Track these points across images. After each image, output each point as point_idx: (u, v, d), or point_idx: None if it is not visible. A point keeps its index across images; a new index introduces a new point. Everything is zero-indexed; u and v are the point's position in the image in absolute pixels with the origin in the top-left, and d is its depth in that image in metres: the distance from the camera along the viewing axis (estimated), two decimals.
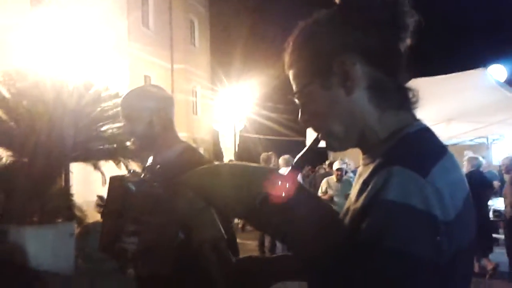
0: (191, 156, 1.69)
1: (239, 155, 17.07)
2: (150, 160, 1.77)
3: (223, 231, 1.42)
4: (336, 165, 7.01)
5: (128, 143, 6.71)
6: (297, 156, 0.98)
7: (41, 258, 5.61)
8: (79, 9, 9.39)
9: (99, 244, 1.69)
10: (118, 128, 6.87)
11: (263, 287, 1.13)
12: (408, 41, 0.88)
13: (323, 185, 6.94)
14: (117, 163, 6.83)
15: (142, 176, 1.64)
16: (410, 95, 0.89)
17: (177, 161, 1.62)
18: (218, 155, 19.21)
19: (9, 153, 6.43)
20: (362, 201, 0.79)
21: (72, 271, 6.06)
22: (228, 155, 18.67)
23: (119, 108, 6.58)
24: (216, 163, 1.22)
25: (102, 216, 1.80)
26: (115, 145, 6.69)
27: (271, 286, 1.13)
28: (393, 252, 0.71)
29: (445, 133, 7.21)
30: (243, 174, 0.97)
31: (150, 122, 1.66)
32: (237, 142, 18.59)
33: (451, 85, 7.77)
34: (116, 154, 6.73)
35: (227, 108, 18.76)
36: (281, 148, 9.40)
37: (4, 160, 6.53)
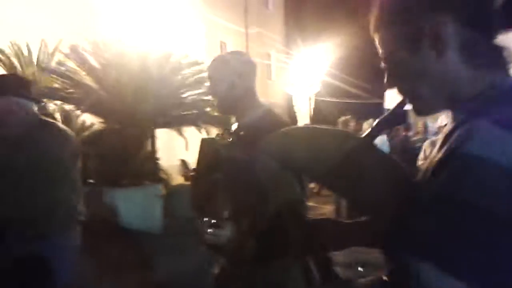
0: (272, 119, 1.76)
1: (314, 119, 16.96)
2: (235, 124, 1.87)
3: (300, 193, 1.48)
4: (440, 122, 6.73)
5: (208, 109, 6.98)
6: (379, 119, 0.98)
7: (131, 217, 6.01)
8: None
9: (192, 203, 1.84)
10: (198, 94, 7.11)
11: (338, 249, 1.14)
12: None
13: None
14: (199, 128, 7.10)
15: (229, 140, 1.75)
16: (505, 54, 0.86)
17: (259, 124, 1.69)
18: (293, 119, 19.20)
19: (101, 120, 6.93)
20: (443, 153, 0.79)
21: (160, 230, 6.47)
22: (303, 120, 18.59)
23: (198, 75, 6.78)
24: (294, 126, 1.26)
25: (192, 177, 1.94)
26: (196, 111, 6.94)
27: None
28: (468, 206, 0.70)
29: None
30: (320, 136, 0.99)
31: (232, 84, 1.76)
32: (312, 106, 18.43)
33: None
34: (197, 120, 6.98)
35: (302, 72, 18.56)
36: (357, 111, 9.21)
37: (96, 127, 7.05)
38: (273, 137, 1.09)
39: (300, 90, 19.92)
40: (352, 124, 7.33)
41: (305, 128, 1.11)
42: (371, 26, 0.92)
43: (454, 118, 0.86)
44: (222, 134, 1.84)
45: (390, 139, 8.17)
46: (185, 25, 12.63)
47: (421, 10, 0.84)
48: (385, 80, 0.93)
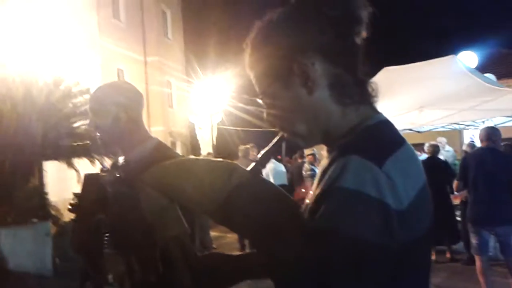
0: (165, 152, 1.65)
1: (217, 148, 17.01)
2: (121, 158, 1.74)
3: (187, 227, 1.41)
4: (307, 151, 7.80)
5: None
6: (261, 152, 1.00)
7: (17, 259, 5.53)
8: (47, 4, 9.14)
9: (72, 244, 1.66)
10: None
11: (228, 284, 1.13)
12: (364, 34, 0.88)
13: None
14: (92, 160, 6.72)
15: (117, 175, 1.61)
16: (370, 88, 0.91)
17: (151, 157, 1.58)
18: (195, 148, 19.09)
19: None
20: (320, 189, 0.82)
21: (50, 271, 5.98)
22: (206, 148, 18.56)
23: None
24: (179, 158, 1.21)
25: (75, 216, 1.76)
26: (88, 142, 6.57)
27: (237, 284, 1.12)
28: (346, 238, 0.73)
29: (418, 120, 7.30)
30: (206, 169, 0.97)
31: (116, 117, 1.63)
32: (215, 135, 18.50)
33: (423, 73, 7.85)
34: (89, 151, 6.61)
35: (204, 101, 18.62)
36: (259, 139, 9.41)
37: None
38: (156, 169, 1.03)
39: (203, 119, 19.91)
40: (253, 152, 7.42)
41: (190, 160, 1.08)
42: (246, 64, 0.94)
43: (330, 154, 0.88)
44: (107, 170, 1.69)
45: (285, 165, 9.16)
46: (79, 52, 12.10)
47: (290, 49, 0.86)
48: (265, 117, 0.95)
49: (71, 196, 8.64)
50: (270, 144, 1.02)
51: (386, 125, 0.90)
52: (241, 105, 19.00)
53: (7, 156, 5.83)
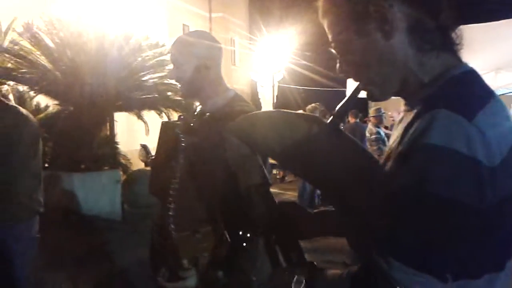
0: (240, 104, 1.66)
1: (278, 107, 16.99)
2: (198, 107, 1.77)
3: (268, 177, 1.44)
4: (372, 112, 6.96)
5: (169, 93, 6.82)
6: (338, 107, 0.96)
7: (89, 203, 5.88)
8: None
9: (149, 187, 1.74)
10: (159, 78, 6.93)
11: (305, 236, 1.12)
12: None
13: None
14: (159, 112, 6.94)
15: (192, 125, 1.65)
16: (454, 36, 0.84)
17: (226, 109, 1.61)
18: (257, 106, 19.20)
19: (56, 102, 6.64)
20: (404, 145, 0.77)
21: (119, 216, 6.33)
22: (267, 107, 18.60)
23: (160, 58, 6.58)
24: (264, 110, 1.22)
25: (152, 161, 1.84)
26: (157, 95, 6.76)
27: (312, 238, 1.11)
28: (433, 197, 0.70)
29: (493, 83, 6.86)
30: (290, 119, 0.97)
31: (196, 68, 1.65)
32: (276, 93, 18.46)
33: (500, 32, 7.32)
34: (157, 103, 6.81)
35: (266, 58, 18.51)
36: (320, 99, 9.26)
37: (50, 108, 6.76)
38: (239, 121, 1.04)
39: (264, 77, 19.87)
40: (320, 111, 7.31)
41: (274, 111, 1.08)
42: (320, 12, 0.90)
43: (411, 107, 0.84)
44: (184, 118, 1.72)
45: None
46: (147, 8, 12.30)
47: None
48: (337, 66, 0.91)
49: (138, 147, 9.06)
50: (345, 99, 0.98)
51: (474, 75, 0.83)
52: (303, 63, 18.71)
53: (82, 107, 6.13)
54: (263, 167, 1.41)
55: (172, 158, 1.63)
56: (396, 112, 8.02)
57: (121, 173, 6.71)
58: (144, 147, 9.11)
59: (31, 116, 2.42)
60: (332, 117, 0.96)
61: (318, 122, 0.96)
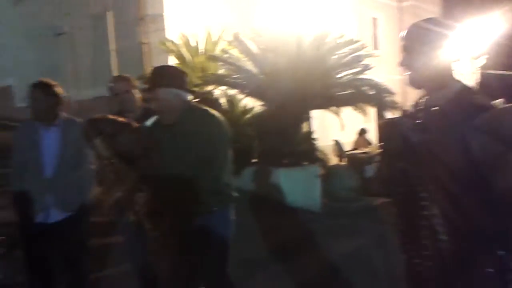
0: (470, 97, 1.57)
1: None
2: (422, 101, 1.73)
3: None
4: None
5: (364, 88, 6.82)
6: None
7: (293, 196, 6.26)
8: None
9: (378, 181, 1.79)
10: (354, 74, 6.99)
11: None
12: None
13: None
14: (355, 108, 7.00)
15: (417, 121, 1.63)
16: None
17: (455, 101, 1.54)
18: None
19: (261, 103, 7.26)
20: None
21: (319, 208, 6.58)
22: None
23: (354, 54, 6.56)
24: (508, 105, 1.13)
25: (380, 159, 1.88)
26: (352, 91, 6.83)
27: None
28: None
29: None
30: None
31: (430, 57, 1.62)
32: (477, 80, 16.74)
33: None
34: (353, 99, 6.88)
35: (464, 44, 16.94)
36: None
37: (256, 109, 7.41)
38: (490, 115, 0.99)
39: (463, 63, 18.20)
40: None
41: None
42: None
43: None
44: (408, 114, 1.71)
45: None
46: (336, 5, 12.46)
47: None
48: None
49: (331, 142, 9.23)
50: None
51: None
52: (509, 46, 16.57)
53: (284, 106, 6.58)
54: None
55: (397, 161, 1.63)
56: None
57: (319, 168, 6.95)
58: (337, 142, 9.27)
59: (219, 115, 2.73)
60: None
61: None
